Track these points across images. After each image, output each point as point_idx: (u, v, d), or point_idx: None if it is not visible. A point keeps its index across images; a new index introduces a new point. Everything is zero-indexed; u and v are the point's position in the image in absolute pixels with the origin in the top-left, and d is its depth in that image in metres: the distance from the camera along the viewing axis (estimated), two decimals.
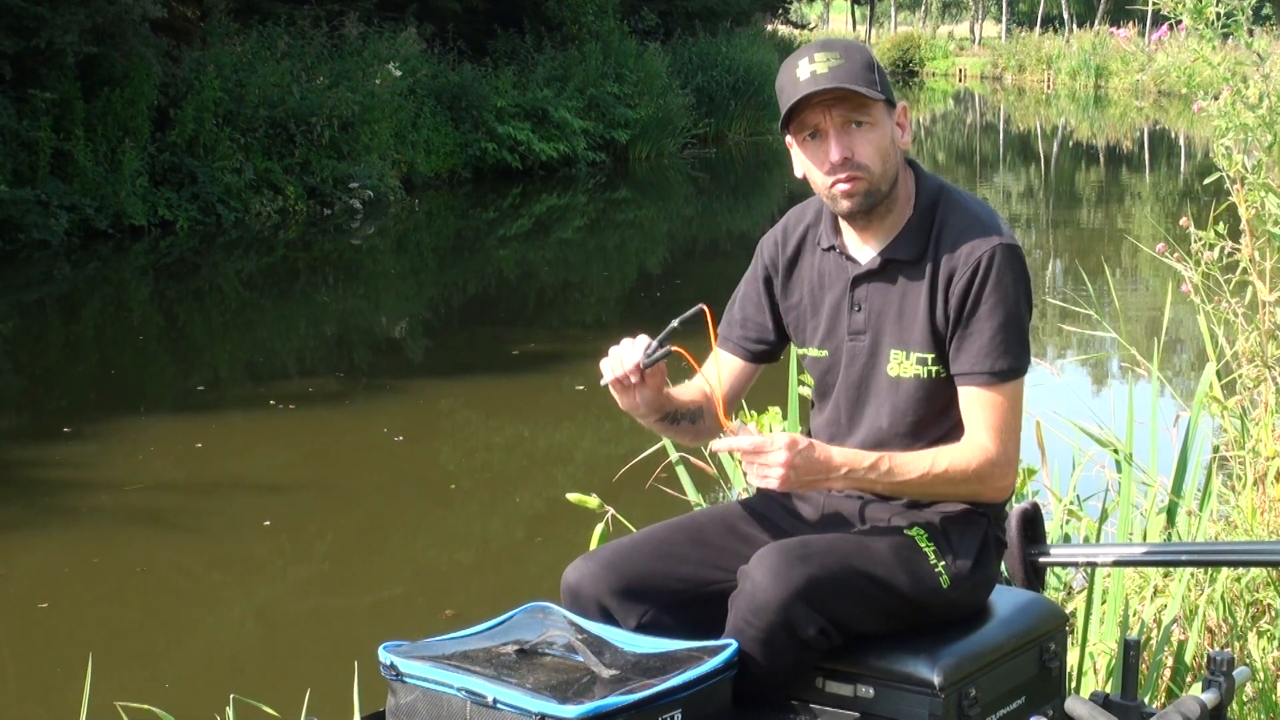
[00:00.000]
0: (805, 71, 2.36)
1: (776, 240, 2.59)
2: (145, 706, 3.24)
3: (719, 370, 2.55)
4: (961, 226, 2.42)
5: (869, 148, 2.38)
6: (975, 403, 2.39)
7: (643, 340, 2.39)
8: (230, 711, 3.27)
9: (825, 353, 2.53)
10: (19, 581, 5.75)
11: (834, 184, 2.40)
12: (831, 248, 2.51)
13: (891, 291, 2.45)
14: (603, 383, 2.41)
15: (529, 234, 16.03)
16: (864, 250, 2.48)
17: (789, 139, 2.47)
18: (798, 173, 2.48)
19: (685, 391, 2.57)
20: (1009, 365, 2.38)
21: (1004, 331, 2.37)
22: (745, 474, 2.34)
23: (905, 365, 2.44)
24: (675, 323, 2.40)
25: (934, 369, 2.43)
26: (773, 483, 2.28)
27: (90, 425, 7.85)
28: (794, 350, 3.58)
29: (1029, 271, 2.44)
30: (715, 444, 2.41)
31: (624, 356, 2.38)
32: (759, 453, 2.27)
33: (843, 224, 2.50)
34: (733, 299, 2.64)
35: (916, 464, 2.37)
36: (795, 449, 2.27)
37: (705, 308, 2.37)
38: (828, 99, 2.37)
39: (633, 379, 2.38)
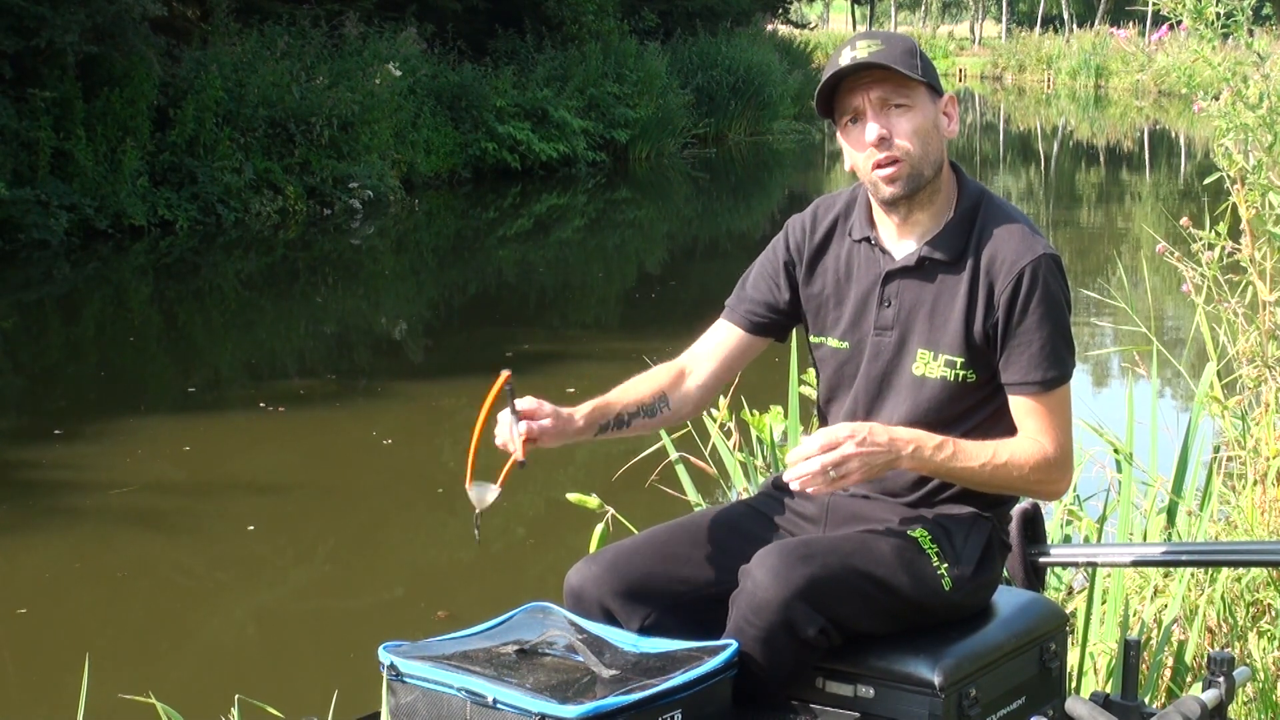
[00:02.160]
0: (846, 57, 2.38)
1: (804, 225, 2.57)
2: (146, 700, 3.24)
3: (718, 340, 2.58)
4: (1004, 234, 2.41)
5: (908, 128, 2.38)
6: (1028, 411, 2.40)
7: (505, 415, 2.35)
8: (235, 712, 3.28)
9: (846, 345, 2.51)
10: (7, 584, 5.73)
11: (874, 167, 2.40)
12: (865, 239, 2.50)
13: (926, 290, 2.44)
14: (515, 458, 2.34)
15: (529, 234, 16.02)
16: (900, 245, 2.47)
17: (837, 129, 2.46)
18: (847, 165, 2.47)
19: (636, 388, 2.54)
20: (1058, 373, 2.39)
21: (1052, 342, 2.38)
22: (790, 477, 2.26)
23: (931, 366, 2.42)
24: (508, 386, 2.34)
25: (962, 373, 2.41)
26: (855, 478, 2.26)
27: (83, 426, 7.83)
28: (794, 350, 3.61)
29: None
30: (790, 470, 2.29)
31: (510, 436, 2.34)
32: (830, 449, 2.24)
33: (879, 217, 2.49)
34: (746, 274, 2.62)
35: (979, 452, 2.36)
36: (858, 438, 2.26)
37: (506, 371, 2.33)
38: (866, 80, 2.37)
39: (525, 436, 2.33)
